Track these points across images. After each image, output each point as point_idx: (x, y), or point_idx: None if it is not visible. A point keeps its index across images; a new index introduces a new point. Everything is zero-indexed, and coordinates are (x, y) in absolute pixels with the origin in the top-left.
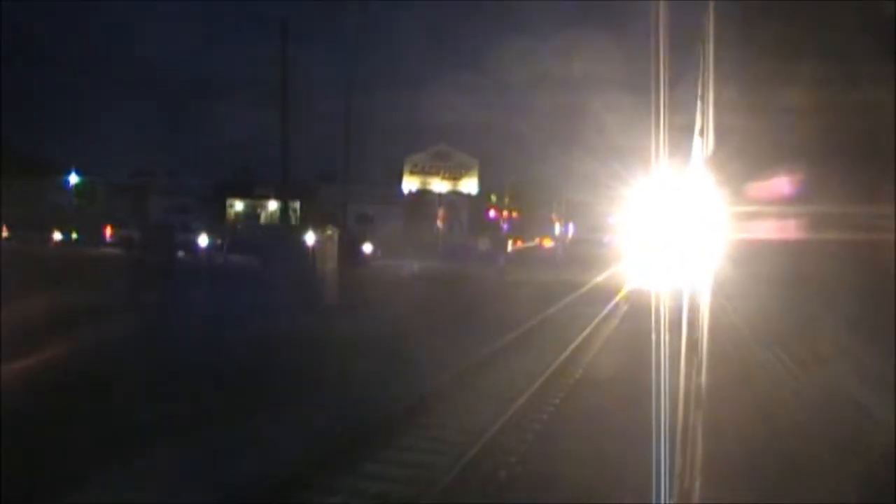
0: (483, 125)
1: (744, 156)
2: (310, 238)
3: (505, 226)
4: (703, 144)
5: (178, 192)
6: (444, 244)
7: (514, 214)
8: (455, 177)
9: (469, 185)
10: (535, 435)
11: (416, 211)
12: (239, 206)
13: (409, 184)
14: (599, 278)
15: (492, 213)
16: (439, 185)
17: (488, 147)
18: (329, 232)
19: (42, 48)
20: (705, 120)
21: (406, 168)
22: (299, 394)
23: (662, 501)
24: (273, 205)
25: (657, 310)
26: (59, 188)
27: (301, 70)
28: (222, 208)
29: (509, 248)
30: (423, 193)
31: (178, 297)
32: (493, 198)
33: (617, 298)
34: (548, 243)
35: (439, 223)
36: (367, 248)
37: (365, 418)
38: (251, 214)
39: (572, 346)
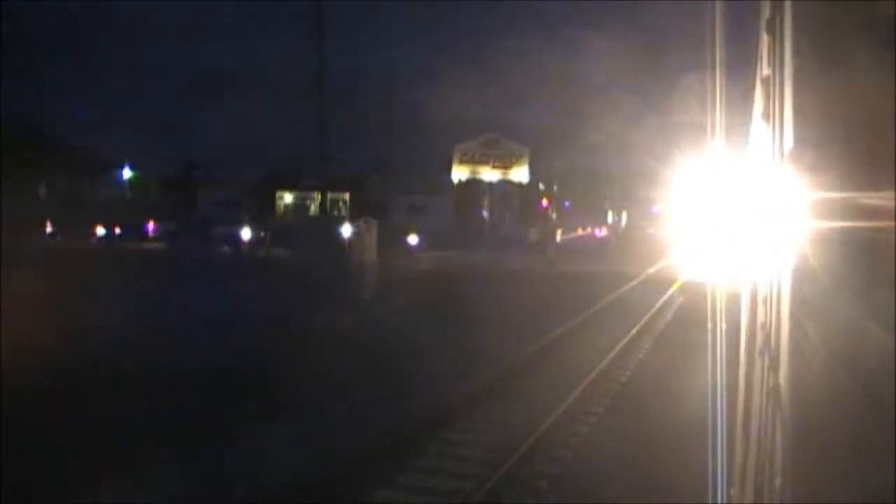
0: (533, 114)
1: (837, 150)
2: (346, 230)
3: (554, 215)
4: (773, 132)
5: (227, 185)
6: (495, 234)
7: (566, 203)
8: (506, 165)
9: (520, 173)
10: (572, 452)
11: (466, 201)
12: (288, 198)
13: (459, 173)
14: (652, 269)
15: (544, 202)
16: (489, 175)
17: (538, 135)
18: (367, 223)
19: (79, 42)
20: (774, 105)
21: (455, 157)
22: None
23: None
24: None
25: (714, 299)
26: (111, 183)
27: (348, 61)
28: (271, 200)
29: (559, 237)
30: (472, 183)
31: (193, 294)
32: (542, 186)
33: (672, 290)
34: (600, 232)
35: (485, 213)
36: (413, 239)
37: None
38: (301, 206)
39: (618, 348)
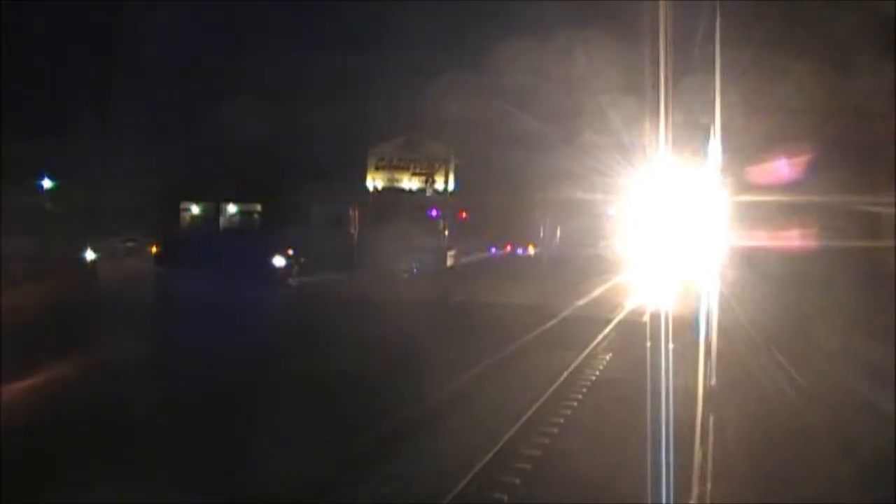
0: (460, 116)
1: (755, 150)
2: (89, 252)
3: (447, 231)
4: (712, 141)
5: (134, 195)
6: (408, 250)
7: (464, 214)
8: (429, 171)
9: (443, 180)
10: None
11: (382, 212)
12: (195, 209)
13: (375, 181)
14: (582, 301)
15: (433, 212)
16: (409, 182)
17: (465, 135)
18: (134, 242)
19: None
20: (713, 117)
21: (371, 161)
22: None
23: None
24: (233, 208)
25: (658, 320)
26: (30, 191)
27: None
28: (174, 211)
29: (450, 261)
30: (389, 191)
31: None
32: (429, 192)
33: (601, 335)
34: (523, 251)
35: (401, 226)
36: (279, 260)
37: None
38: (209, 218)
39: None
